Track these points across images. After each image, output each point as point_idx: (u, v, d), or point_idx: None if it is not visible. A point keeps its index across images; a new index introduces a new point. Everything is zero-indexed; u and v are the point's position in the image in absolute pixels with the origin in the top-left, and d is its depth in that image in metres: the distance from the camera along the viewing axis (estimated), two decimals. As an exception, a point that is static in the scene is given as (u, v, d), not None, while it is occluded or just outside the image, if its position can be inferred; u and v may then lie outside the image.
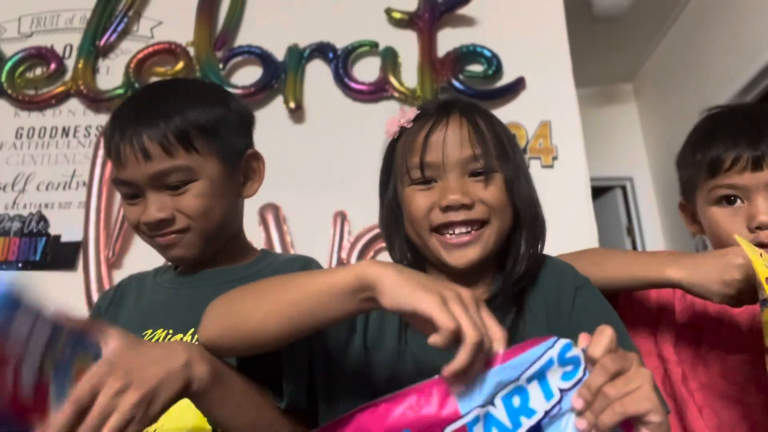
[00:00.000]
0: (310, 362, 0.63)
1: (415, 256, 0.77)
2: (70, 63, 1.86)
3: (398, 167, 0.76)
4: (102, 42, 1.86)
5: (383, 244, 0.90)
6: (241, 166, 0.81)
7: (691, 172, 0.86)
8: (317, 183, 1.67)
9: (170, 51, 1.82)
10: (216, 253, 0.80)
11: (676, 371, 0.80)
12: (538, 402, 0.45)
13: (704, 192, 0.83)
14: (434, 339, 0.45)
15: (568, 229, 1.57)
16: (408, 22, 1.81)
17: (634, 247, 3.38)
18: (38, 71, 1.87)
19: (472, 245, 0.70)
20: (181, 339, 0.71)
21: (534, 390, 0.46)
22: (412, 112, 0.77)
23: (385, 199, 0.79)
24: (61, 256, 1.65)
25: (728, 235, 0.78)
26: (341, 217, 1.62)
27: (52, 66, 1.84)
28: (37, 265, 1.65)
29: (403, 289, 0.49)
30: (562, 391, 0.46)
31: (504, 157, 0.73)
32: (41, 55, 1.86)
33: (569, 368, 0.46)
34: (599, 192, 3.60)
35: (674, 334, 0.82)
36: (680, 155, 0.91)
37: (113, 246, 1.63)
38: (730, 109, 0.90)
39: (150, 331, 0.74)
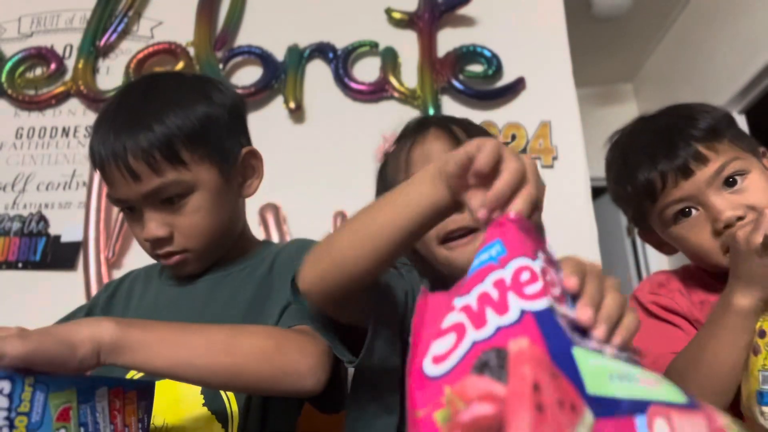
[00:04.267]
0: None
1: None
2: (70, 63, 1.86)
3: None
4: (102, 42, 1.86)
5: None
6: (239, 167, 0.77)
7: (631, 204, 0.83)
8: (317, 183, 1.67)
9: (170, 51, 1.82)
10: (217, 260, 0.78)
11: None
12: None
13: (655, 217, 0.80)
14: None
15: (568, 229, 1.57)
16: (408, 22, 1.81)
17: (634, 247, 3.38)
18: (38, 71, 1.87)
19: (471, 245, 0.72)
20: None
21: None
22: (393, 137, 0.82)
23: None
24: (61, 256, 1.65)
25: (700, 248, 0.76)
26: (341, 217, 1.62)
27: (52, 66, 1.84)
28: (37, 265, 1.65)
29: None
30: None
31: None
32: (41, 55, 1.86)
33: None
34: (599, 192, 3.60)
35: None
36: (612, 193, 0.88)
37: (113, 246, 1.63)
38: (629, 131, 0.87)
39: None
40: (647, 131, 0.82)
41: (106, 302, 0.81)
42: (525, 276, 0.35)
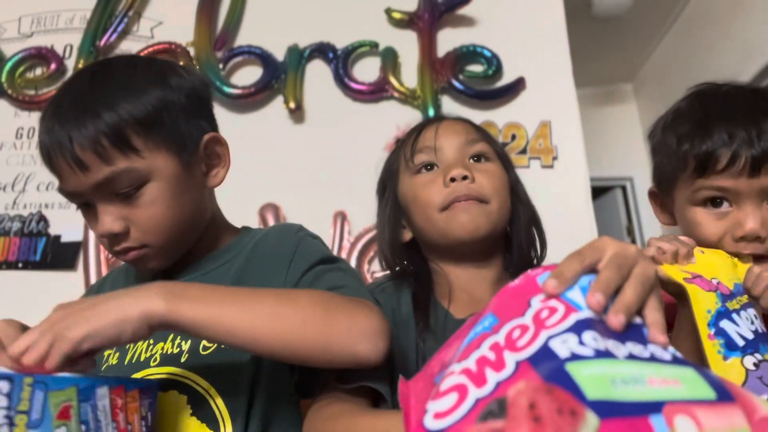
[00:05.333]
0: None
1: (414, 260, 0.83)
2: (70, 63, 1.86)
3: (400, 166, 0.81)
4: (102, 42, 1.86)
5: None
6: (200, 155, 0.71)
7: (673, 163, 0.75)
8: (317, 183, 1.67)
9: (170, 51, 1.82)
10: (192, 246, 0.73)
11: None
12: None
13: (687, 189, 0.73)
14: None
15: (568, 229, 1.57)
16: (408, 22, 1.81)
17: (634, 247, 3.38)
18: (38, 71, 1.87)
19: (476, 212, 0.77)
20: (162, 347, 0.68)
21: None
22: (405, 129, 0.91)
23: (386, 210, 0.86)
24: (61, 256, 1.65)
25: (710, 240, 0.71)
26: (341, 217, 1.62)
27: (52, 66, 1.84)
28: (37, 265, 1.65)
29: None
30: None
31: (503, 156, 0.81)
32: (41, 56, 1.86)
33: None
34: (599, 192, 3.61)
35: None
36: (659, 140, 0.79)
37: (113, 246, 1.63)
38: (725, 92, 0.77)
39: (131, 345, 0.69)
40: (742, 102, 0.73)
41: None
42: (516, 333, 0.37)
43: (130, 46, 1.87)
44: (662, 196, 0.81)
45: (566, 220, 1.59)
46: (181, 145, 0.68)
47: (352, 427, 0.58)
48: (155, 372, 0.65)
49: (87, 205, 0.67)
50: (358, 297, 0.64)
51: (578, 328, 0.36)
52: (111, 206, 0.65)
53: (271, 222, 1.62)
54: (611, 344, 0.35)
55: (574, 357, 0.33)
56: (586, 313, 0.37)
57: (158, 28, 1.90)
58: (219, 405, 0.63)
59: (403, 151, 0.85)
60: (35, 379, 0.46)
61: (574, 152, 1.68)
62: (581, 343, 0.34)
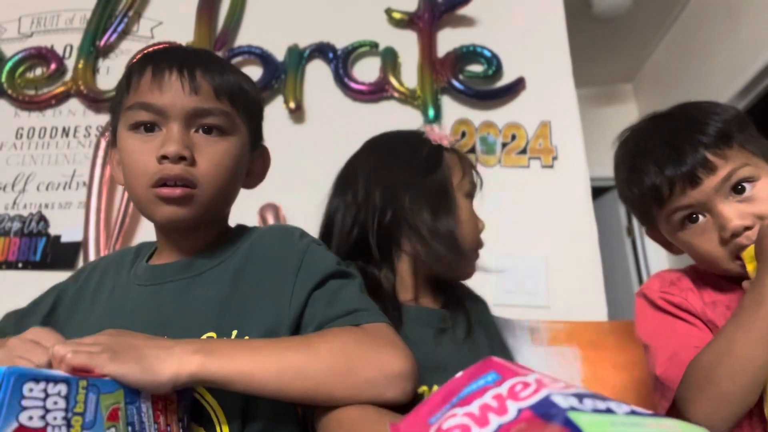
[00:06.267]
0: None
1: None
2: (70, 63, 1.86)
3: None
4: (102, 42, 1.86)
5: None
6: (254, 154, 0.79)
7: (638, 206, 0.83)
8: (317, 183, 1.66)
9: (170, 51, 1.82)
10: (198, 233, 0.73)
11: None
12: None
13: (662, 220, 0.80)
14: None
15: (568, 229, 1.57)
16: (408, 22, 1.81)
17: (634, 247, 3.38)
18: (38, 71, 1.87)
19: None
20: None
21: None
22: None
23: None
24: (61, 256, 1.65)
25: (707, 254, 0.76)
26: (341, 217, 1.62)
27: (52, 66, 1.84)
28: (37, 265, 1.65)
29: None
30: None
31: None
32: (41, 56, 1.87)
33: None
34: (599, 192, 3.60)
35: None
36: (620, 193, 0.88)
37: (113, 246, 1.63)
38: (638, 131, 0.85)
39: None
40: (656, 134, 0.81)
41: (75, 296, 0.77)
42: (519, 387, 0.39)
43: (130, 46, 1.88)
44: (656, 233, 0.86)
45: (566, 220, 1.59)
46: (254, 135, 0.77)
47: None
48: None
49: (149, 128, 0.68)
50: (379, 323, 0.65)
51: (579, 394, 0.38)
52: (186, 135, 0.67)
53: (271, 222, 1.62)
54: (612, 404, 0.37)
55: (575, 409, 0.35)
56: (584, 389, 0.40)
57: (158, 28, 1.90)
58: (215, 409, 0.63)
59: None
60: (89, 382, 0.48)
61: (574, 152, 1.68)
62: (581, 402, 0.36)
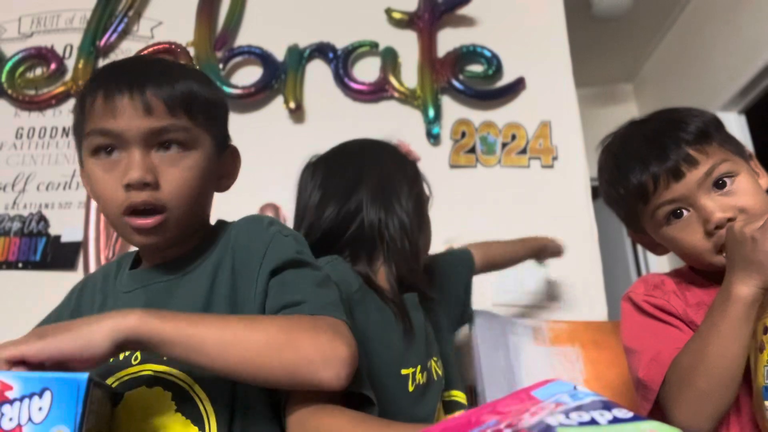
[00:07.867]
0: None
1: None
2: (70, 63, 1.86)
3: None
4: (102, 42, 1.86)
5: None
6: (223, 157, 0.77)
7: (624, 206, 0.86)
8: (317, 183, 1.67)
9: (170, 51, 1.82)
10: (178, 245, 0.73)
11: None
12: None
13: (647, 218, 0.82)
14: None
15: (568, 229, 1.57)
16: (408, 22, 1.81)
17: (634, 247, 3.38)
18: (38, 71, 1.87)
19: None
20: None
21: None
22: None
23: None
24: (61, 256, 1.65)
25: (692, 248, 0.78)
26: (341, 217, 1.62)
27: (52, 66, 1.84)
28: (37, 265, 1.65)
29: None
30: None
31: None
32: (41, 55, 1.87)
33: None
34: (599, 192, 3.60)
35: None
36: (604, 196, 0.91)
37: (113, 246, 1.63)
38: (621, 135, 0.89)
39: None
40: (638, 135, 0.84)
41: (72, 316, 0.76)
42: (515, 416, 0.41)
43: (130, 46, 1.88)
44: (640, 234, 0.88)
45: (566, 220, 1.59)
46: (219, 139, 0.75)
47: None
48: (137, 370, 0.65)
49: (109, 151, 0.67)
50: (324, 315, 0.64)
51: (566, 411, 0.40)
52: (148, 158, 0.67)
53: (271, 222, 1.62)
54: (596, 414, 0.39)
55: (563, 425, 0.38)
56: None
57: (158, 28, 1.91)
58: (204, 402, 0.63)
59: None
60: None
61: (574, 152, 1.68)
62: (567, 418, 0.39)
